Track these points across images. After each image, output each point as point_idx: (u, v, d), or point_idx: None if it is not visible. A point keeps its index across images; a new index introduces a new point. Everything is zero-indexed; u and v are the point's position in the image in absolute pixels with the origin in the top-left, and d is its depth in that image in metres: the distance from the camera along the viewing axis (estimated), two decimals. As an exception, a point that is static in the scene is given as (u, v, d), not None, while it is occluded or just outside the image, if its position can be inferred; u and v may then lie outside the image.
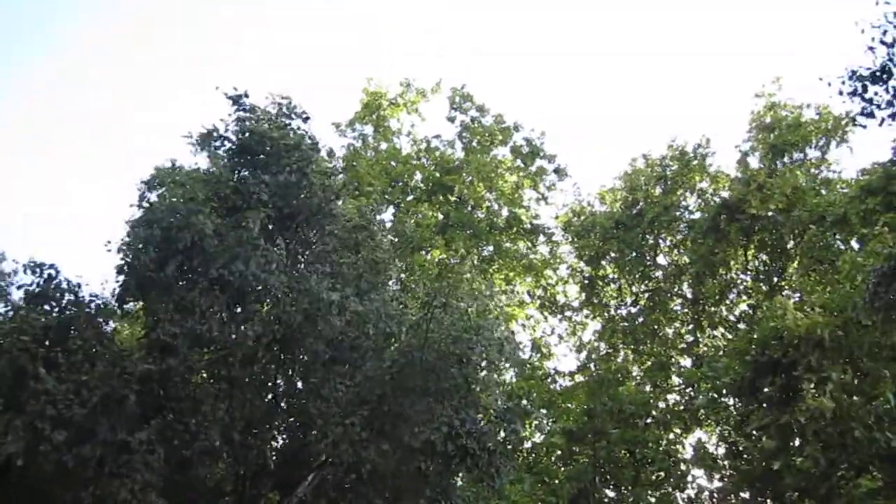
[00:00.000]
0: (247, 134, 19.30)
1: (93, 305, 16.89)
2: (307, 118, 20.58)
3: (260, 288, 17.27)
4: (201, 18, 56.45)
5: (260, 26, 59.07)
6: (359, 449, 16.81)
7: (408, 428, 17.38)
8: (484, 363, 18.61)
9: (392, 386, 17.34)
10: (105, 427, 14.79)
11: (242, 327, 16.96)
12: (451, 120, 37.96)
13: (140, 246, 16.82)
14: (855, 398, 23.28)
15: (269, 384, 18.99)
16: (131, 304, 17.84)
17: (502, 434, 19.07)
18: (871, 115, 15.79)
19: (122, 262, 16.93)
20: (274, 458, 18.56)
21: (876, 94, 15.77)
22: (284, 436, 19.58)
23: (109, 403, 14.98)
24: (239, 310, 17.45)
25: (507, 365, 20.15)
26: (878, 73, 15.47)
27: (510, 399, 24.51)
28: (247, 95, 20.01)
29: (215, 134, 19.45)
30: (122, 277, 16.94)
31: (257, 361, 16.84)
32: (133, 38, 53.47)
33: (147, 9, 52.39)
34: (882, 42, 15.41)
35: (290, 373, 19.14)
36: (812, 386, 22.53)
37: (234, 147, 19.39)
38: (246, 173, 19.09)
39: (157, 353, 15.99)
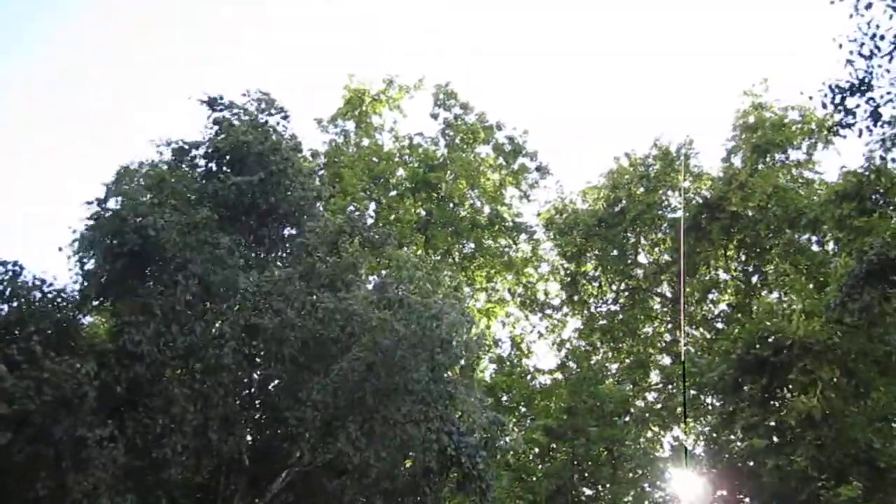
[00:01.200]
0: (221, 136, 19.28)
1: (58, 301, 16.63)
2: (286, 116, 20.55)
3: (224, 289, 17.18)
4: (198, 18, 56.03)
5: (253, 25, 58.74)
6: (350, 450, 16.81)
7: (397, 431, 17.45)
8: (459, 368, 18.67)
9: (370, 388, 17.24)
10: (63, 425, 14.54)
11: (213, 329, 16.78)
12: (435, 117, 37.93)
13: (91, 250, 16.71)
14: (844, 401, 23.55)
15: (245, 381, 18.86)
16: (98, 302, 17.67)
17: (484, 452, 19.27)
18: (850, 125, 15.99)
19: (76, 264, 16.85)
20: (248, 454, 18.53)
21: (857, 105, 15.97)
22: (257, 434, 19.44)
23: (69, 401, 14.66)
24: (202, 310, 17.25)
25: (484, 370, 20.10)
26: (856, 86, 15.66)
27: (490, 394, 24.60)
28: (221, 99, 19.97)
29: (186, 148, 19.48)
30: (80, 278, 16.87)
31: (226, 363, 16.62)
32: (129, 37, 52.92)
33: (142, 9, 51.99)
34: (860, 55, 15.60)
35: (264, 371, 19.05)
36: (807, 389, 22.77)
37: (209, 151, 19.37)
38: (220, 174, 19.03)
39: (125, 360, 15.74)
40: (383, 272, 22.38)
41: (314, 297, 17.71)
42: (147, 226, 16.19)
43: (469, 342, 19.52)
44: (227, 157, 19.34)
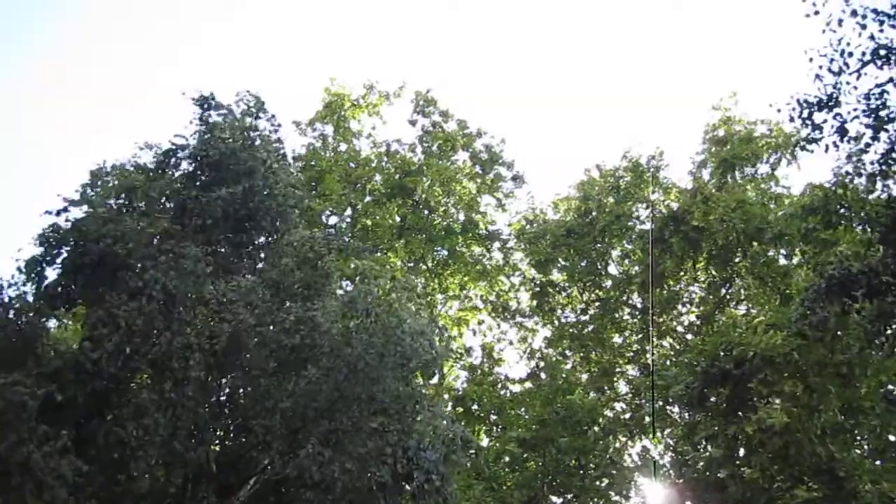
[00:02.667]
0: (207, 136, 19.28)
1: (13, 310, 16.51)
2: (277, 125, 20.65)
3: (190, 299, 17.06)
4: (179, 15, 55.77)
5: (234, 23, 58.62)
6: (314, 464, 16.78)
7: (360, 443, 17.47)
8: (420, 368, 18.74)
9: (342, 401, 17.33)
10: (9, 441, 14.27)
11: (176, 339, 16.56)
12: (413, 123, 38.06)
13: (46, 261, 16.70)
14: (803, 412, 23.93)
15: (215, 387, 18.77)
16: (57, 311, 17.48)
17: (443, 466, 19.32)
18: (816, 140, 16.35)
19: (36, 270, 16.82)
20: (215, 463, 18.41)
21: (824, 121, 16.34)
22: (226, 442, 19.34)
23: (18, 410, 14.46)
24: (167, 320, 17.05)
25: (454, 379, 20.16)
26: (824, 101, 16.03)
27: (461, 403, 24.53)
28: (212, 98, 19.96)
29: (173, 149, 19.44)
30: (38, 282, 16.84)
31: (193, 375, 16.47)
32: (102, 36, 52.74)
33: (117, 7, 51.74)
34: (830, 70, 15.98)
35: (230, 379, 18.96)
36: (766, 400, 23.11)
37: (193, 153, 19.36)
38: (202, 179, 19.06)
39: (87, 371, 15.55)
40: (356, 279, 22.51)
41: (281, 306, 17.72)
42: (108, 235, 16.02)
43: (437, 353, 19.58)
44: (211, 163, 19.23)
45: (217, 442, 18.93)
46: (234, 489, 18.38)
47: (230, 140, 19.32)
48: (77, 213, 17.80)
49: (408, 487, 18.84)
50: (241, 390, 18.67)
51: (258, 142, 19.94)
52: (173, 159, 19.62)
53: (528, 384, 36.09)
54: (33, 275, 16.96)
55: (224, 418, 19.07)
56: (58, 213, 17.54)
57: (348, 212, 36.04)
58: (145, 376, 17.24)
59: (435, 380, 19.53)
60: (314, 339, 17.16)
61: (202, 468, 17.52)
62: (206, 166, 19.26)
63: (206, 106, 19.89)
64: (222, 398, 19.00)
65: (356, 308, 18.02)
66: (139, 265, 16.51)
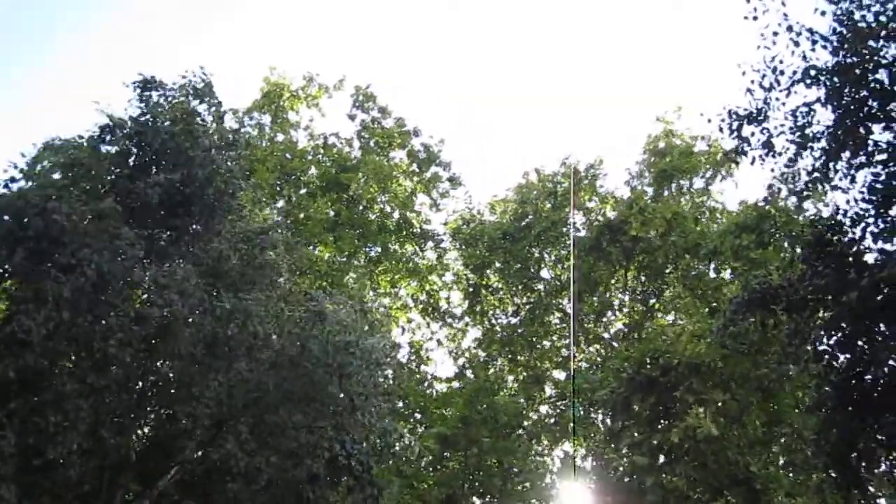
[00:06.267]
0: (147, 117, 18.79)
1: None
2: (222, 110, 20.17)
3: (123, 280, 16.65)
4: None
5: (168, 4, 57.41)
6: (240, 454, 16.48)
7: (290, 438, 17.23)
8: (362, 377, 18.61)
9: (274, 394, 17.05)
10: None
11: (104, 320, 16.09)
12: (352, 118, 37.73)
13: None
14: (727, 423, 24.29)
15: (139, 373, 18.34)
16: None
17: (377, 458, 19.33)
18: (744, 152, 16.57)
19: None
20: (137, 449, 17.99)
21: (752, 134, 16.56)
22: (150, 430, 18.90)
23: None
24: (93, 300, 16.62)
25: (387, 378, 20.05)
26: (753, 115, 16.25)
27: (388, 397, 24.23)
28: (154, 80, 19.41)
29: (110, 125, 18.76)
30: None
31: (112, 353, 16.00)
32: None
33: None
34: (761, 86, 16.21)
35: (159, 366, 18.52)
36: (691, 408, 23.36)
37: (131, 134, 18.76)
38: (142, 160, 18.55)
39: (14, 347, 15.01)
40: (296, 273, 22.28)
41: (214, 294, 17.36)
42: (52, 210, 15.57)
43: (378, 349, 19.49)
44: (148, 144, 18.69)
45: (140, 430, 18.46)
46: (155, 478, 17.92)
47: (169, 123, 18.84)
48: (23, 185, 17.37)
49: (343, 480, 18.74)
50: (169, 376, 18.21)
51: (199, 127, 19.38)
52: (109, 137, 18.94)
53: (454, 384, 36.05)
54: None
55: (149, 405, 18.53)
56: (5, 186, 17.01)
57: (281, 203, 35.56)
58: (68, 363, 16.64)
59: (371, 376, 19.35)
60: (247, 329, 16.91)
61: (123, 456, 17.04)
62: (143, 147, 18.74)
63: (146, 87, 19.33)
64: (148, 384, 18.41)
65: (297, 301, 17.85)
66: (74, 243, 15.92)
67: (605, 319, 36.37)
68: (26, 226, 15.57)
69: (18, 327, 14.82)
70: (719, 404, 24.11)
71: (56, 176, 17.99)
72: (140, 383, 18.14)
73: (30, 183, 17.56)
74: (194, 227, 19.07)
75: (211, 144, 19.25)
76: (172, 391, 18.00)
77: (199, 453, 17.58)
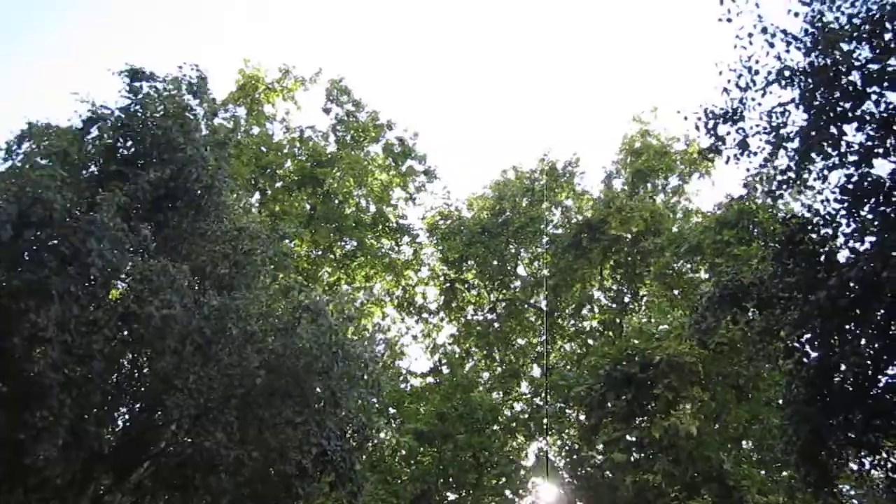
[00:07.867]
0: (136, 108, 18.54)
1: None
2: (216, 106, 19.93)
3: (109, 271, 16.46)
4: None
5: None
6: (223, 447, 16.39)
7: (277, 432, 17.20)
8: (346, 379, 18.61)
9: (259, 390, 17.01)
10: None
11: (84, 312, 15.87)
12: (327, 112, 37.62)
13: None
14: (706, 420, 24.48)
15: (121, 363, 17.98)
16: None
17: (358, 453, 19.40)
18: (718, 151, 16.64)
19: None
20: (112, 441, 17.77)
21: (728, 133, 16.61)
22: (129, 421, 18.68)
23: None
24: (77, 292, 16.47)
25: (365, 371, 20.01)
26: (729, 114, 16.32)
27: (365, 389, 24.20)
28: (144, 71, 19.11)
29: (94, 117, 18.47)
30: None
31: (97, 348, 15.79)
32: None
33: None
34: (737, 85, 16.27)
35: (137, 356, 18.33)
36: (672, 406, 23.52)
37: (118, 126, 18.48)
38: (122, 156, 18.28)
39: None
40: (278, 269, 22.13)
41: (203, 292, 17.28)
42: (50, 200, 15.23)
43: (369, 348, 19.78)
44: (136, 137, 18.47)
45: (118, 422, 18.33)
46: (129, 470, 17.81)
47: (161, 116, 18.57)
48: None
49: (329, 476, 18.75)
50: (148, 368, 18.02)
51: (194, 123, 19.20)
52: (94, 127, 18.63)
53: (429, 379, 36.07)
54: None
55: (129, 395, 18.33)
56: None
57: (257, 196, 35.37)
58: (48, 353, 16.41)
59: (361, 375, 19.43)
60: (236, 326, 16.85)
61: (96, 448, 16.86)
62: (133, 139, 18.50)
63: (135, 77, 19.05)
64: (127, 375, 18.29)
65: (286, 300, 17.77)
66: (78, 233, 15.57)
67: (580, 317, 36.52)
68: (28, 213, 15.13)
69: (30, 324, 14.48)
70: (699, 402, 24.26)
71: (43, 161, 17.48)
72: (116, 376, 17.96)
73: (9, 164, 17.27)
74: (182, 224, 18.81)
75: (204, 142, 19.08)
76: (148, 384, 17.86)
77: (173, 447, 17.35)
